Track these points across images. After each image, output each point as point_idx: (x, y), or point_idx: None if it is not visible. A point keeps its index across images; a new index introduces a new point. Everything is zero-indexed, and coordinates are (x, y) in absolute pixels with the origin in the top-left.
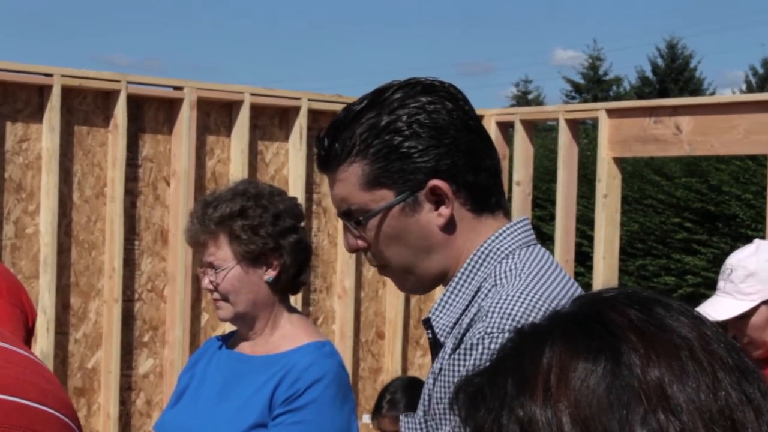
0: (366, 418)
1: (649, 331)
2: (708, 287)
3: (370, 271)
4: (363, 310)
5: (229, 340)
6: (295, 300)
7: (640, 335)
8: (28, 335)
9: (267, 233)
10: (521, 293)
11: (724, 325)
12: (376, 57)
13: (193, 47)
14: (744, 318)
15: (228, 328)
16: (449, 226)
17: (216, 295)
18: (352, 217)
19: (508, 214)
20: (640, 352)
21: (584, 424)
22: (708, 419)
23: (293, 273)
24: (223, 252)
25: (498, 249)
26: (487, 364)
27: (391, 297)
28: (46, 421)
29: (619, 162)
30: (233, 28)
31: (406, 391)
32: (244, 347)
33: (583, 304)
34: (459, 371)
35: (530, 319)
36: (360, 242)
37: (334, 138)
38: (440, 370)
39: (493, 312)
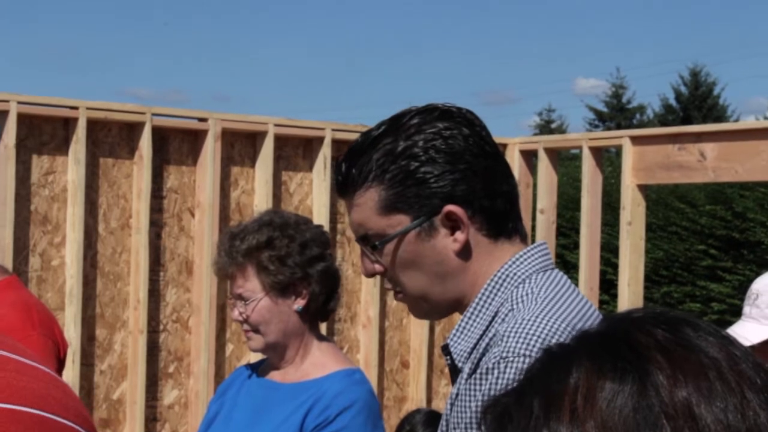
0: None
1: (676, 352)
2: (733, 314)
3: (394, 301)
4: (387, 340)
5: (258, 368)
6: (320, 330)
7: (667, 355)
8: (60, 366)
9: (294, 263)
10: (537, 317)
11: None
12: (399, 87)
13: (217, 79)
14: None
15: (254, 357)
16: (465, 252)
17: (246, 327)
18: (369, 241)
19: (525, 240)
20: (667, 372)
21: None
22: None
23: (322, 301)
24: (251, 283)
25: (515, 274)
26: (515, 384)
27: (416, 326)
28: None
29: (644, 189)
30: (256, 60)
31: (426, 426)
32: (275, 375)
33: (611, 324)
34: (475, 396)
35: (546, 343)
36: (377, 267)
37: (351, 163)
38: (457, 394)
39: (509, 336)
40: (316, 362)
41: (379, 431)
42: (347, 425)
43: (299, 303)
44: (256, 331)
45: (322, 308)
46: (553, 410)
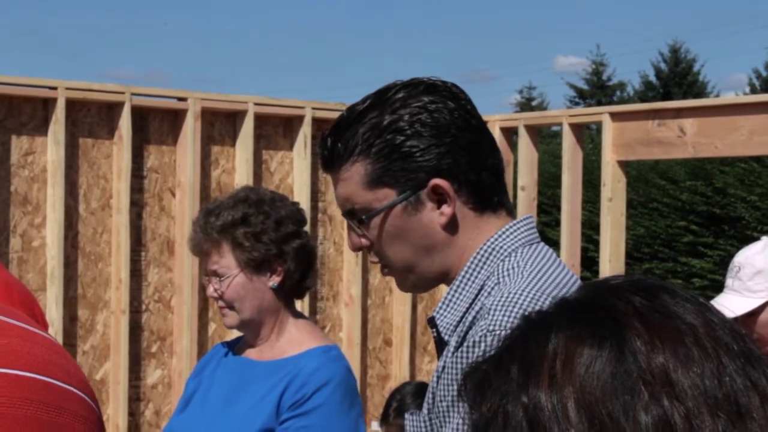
0: (375, 425)
1: (653, 318)
2: (715, 290)
3: (376, 279)
4: (370, 318)
5: (235, 346)
6: (302, 308)
7: (645, 322)
8: None
9: (270, 239)
10: (523, 290)
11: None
12: (379, 66)
13: (199, 60)
14: (752, 315)
15: (235, 335)
16: (451, 225)
17: (221, 303)
18: (355, 216)
19: (511, 213)
20: (645, 338)
21: (589, 410)
22: (713, 405)
23: (298, 278)
24: (226, 260)
25: (501, 247)
26: (494, 351)
27: (398, 304)
28: (70, 399)
29: (624, 165)
30: (237, 40)
31: (415, 397)
32: (251, 353)
33: (589, 292)
34: (462, 368)
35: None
36: (363, 241)
37: (337, 138)
38: (443, 367)
39: (495, 309)
40: (293, 339)
41: (357, 408)
42: (324, 402)
43: (274, 280)
44: (231, 307)
45: (297, 285)
46: (532, 376)
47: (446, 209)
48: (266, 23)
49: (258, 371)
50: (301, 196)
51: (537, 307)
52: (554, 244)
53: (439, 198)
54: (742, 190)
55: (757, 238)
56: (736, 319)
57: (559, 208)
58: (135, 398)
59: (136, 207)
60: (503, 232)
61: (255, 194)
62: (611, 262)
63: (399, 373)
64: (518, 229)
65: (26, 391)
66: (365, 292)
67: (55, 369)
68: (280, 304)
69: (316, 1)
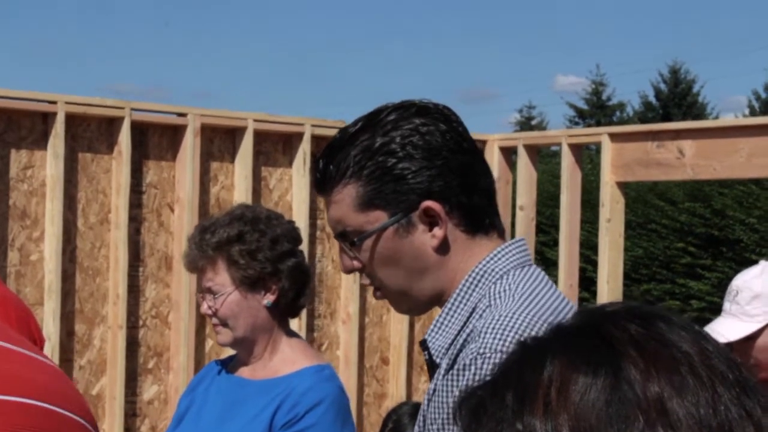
0: None
1: (649, 346)
2: (713, 312)
3: (374, 297)
4: (367, 336)
5: (228, 364)
6: (300, 326)
7: (640, 350)
8: None
9: (265, 257)
10: (514, 314)
11: (730, 346)
12: (379, 83)
13: (199, 75)
14: (750, 340)
15: (231, 353)
16: (443, 247)
17: (215, 320)
18: (347, 238)
19: (502, 235)
20: (640, 366)
21: None
22: None
23: (292, 297)
24: (221, 277)
25: (492, 270)
26: (490, 376)
27: (396, 322)
28: (71, 426)
29: (623, 187)
30: (237, 56)
31: (411, 418)
32: (244, 371)
33: (585, 318)
34: (452, 391)
35: (522, 338)
36: (355, 263)
37: (329, 160)
38: (434, 390)
39: (486, 332)
40: (286, 358)
41: (349, 427)
42: (317, 422)
43: (269, 298)
44: (224, 325)
45: (291, 304)
46: (527, 403)
47: (438, 231)
48: (266, 39)
49: (251, 390)
50: (300, 213)
51: (527, 330)
52: (553, 263)
53: (431, 220)
54: (740, 212)
55: (756, 261)
56: (730, 345)
57: (557, 228)
58: (131, 414)
59: (135, 222)
60: (495, 255)
61: (251, 212)
62: (609, 283)
63: (396, 392)
64: (510, 251)
65: (28, 418)
66: (363, 310)
67: (56, 396)
68: (274, 322)
69: (316, 17)
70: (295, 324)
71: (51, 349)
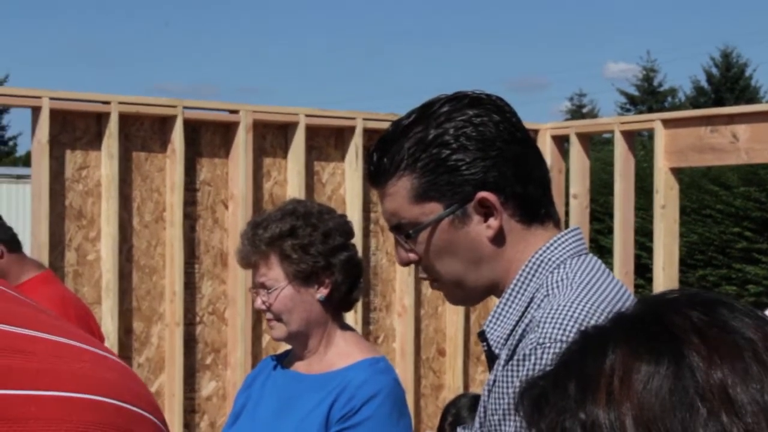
0: None
1: (711, 333)
2: None
3: (429, 289)
4: (423, 328)
5: (284, 360)
6: (356, 319)
7: (703, 337)
8: None
9: (317, 251)
10: (572, 303)
11: None
12: (429, 75)
13: (248, 71)
14: None
15: (286, 348)
16: (499, 238)
17: (269, 315)
18: (403, 230)
19: (558, 225)
20: (703, 353)
21: (647, 427)
22: None
23: (345, 290)
24: (274, 272)
25: (549, 259)
26: (552, 366)
27: (451, 314)
28: (141, 421)
29: (677, 172)
30: (287, 51)
31: (470, 410)
32: (299, 366)
33: (646, 306)
34: (513, 382)
35: (582, 328)
36: (411, 255)
37: (383, 153)
38: (494, 381)
39: (545, 322)
40: (341, 352)
41: (405, 419)
42: (373, 415)
43: (322, 292)
44: (278, 319)
45: (345, 298)
46: (590, 393)
47: (493, 222)
48: (314, 33)
49: (306, 384)
50: (353, 206)
51: (587, 319)
52: (608, 251)
53: (486, 211)
54: None
55: None
56: None
57: (611, 216)
58: (190, 410)
59: (189, 220)
60: (551, 244)
61: (302, 207)
62: (665, 270)
63: (452, 383)
64: (566, 240)
65: (98, 415)
66: (418, 302)
67: (125, 392)
68: (328, 316)
69: (365, 10)
70: (351, 317)
71: (110, 347)
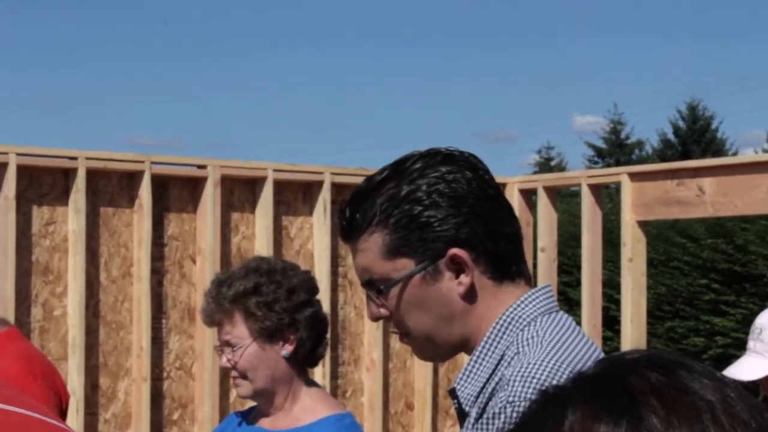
0: None
1: (670, 395)
2: (737, 347)
3: (397, 343)
4: (392, 382)
5: (249, 416)
6: (323, 373)
7: (661, 399)
8: (62, 418)
9: (282, 308)
10: (542, 360)
11: (756, 384)
12: (398, 128)
13: (215, 125)
14: None
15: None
16: (470, 294)
17: (234, 373)
18: (374, 286)
19: (529, 282)
20: (661, 415)
21: None
22: None
23: (310, 347)
24: (238, 330)
25: (520, 316)
26: (511, 426)
27: (420, 368)
28: None
29: (644, 225)
30: (253, 105)
31: None
32: (265, 422)
33: (606, 367)
34: None
35: (543, 387)
36: (383, 311)
37: (355, 208)
38: None
39: (515, 381)
40: (306, 408)
41: None
42: None
43: (287, 349)
44: (244, 377)
45: (310, 354)
46: None
47: (464, 279)
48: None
49: None
50: (322, 261)
51: (556, 379)
52: (576, 304)
53: (458, 267)
54: (763, 247)
55: None
56: (756, 383)
57: (579, 269)
58: None
59: (157, 275)
60: (522, 302)
61: (266, 264)
62: (633, 322)
63: None
64: (537, 298)
65: None
66: (386, 356)
67: None
68: (293, 372)
69: (330, 62)
70: (318, 371)
71: (76, 403)
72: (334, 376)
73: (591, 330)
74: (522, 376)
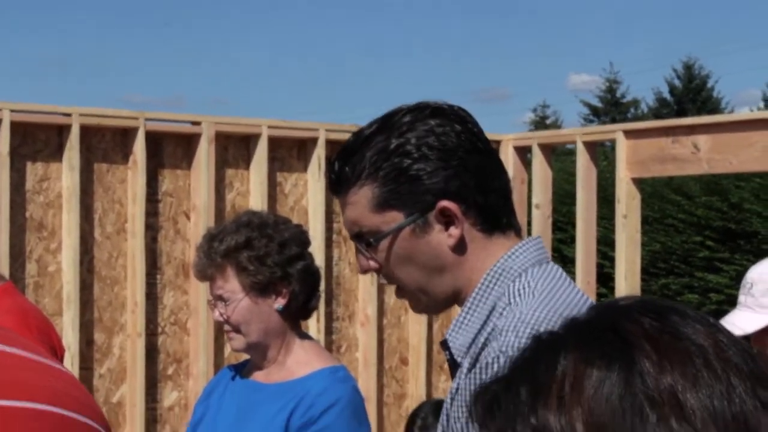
0: None
1: (662, 339)
2: (731, 304)
3: (392, 298)
4: (386, 337)
5: (242, 369)
6: (318, 329)
7: (654, 343)
8: None
9: (274, 262)
10: (534, 311)
11: (747, 339)
12: (392, 87)
13: (213, 84)
14: (766, 332)
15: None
16: (460, 247)
17: (228, 327)
18: (364, 239)
19: (519, 234)
20: (653, 359)
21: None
22: (722, 426)
23: (303, 300)
24: (231, 284)
25: (511, 268)
26: (504, 371)
27: (414, 323)
28: (84, 430)
29: (638, 183)
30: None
31: (436, 415)
32: (258, 375)
33: (599, 312)
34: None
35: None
36: (372, 264)
37: (344, 162)
38: (457, 389)
39: (507, 330)
40: (300, 360)
41: (365, 428)
42: (332, 423)
43: (279, 302)
44: (237, 331)
45: (302, 307)
46: (541, 398)
47: (454, 231)
48: (279, 46)
49: (266, 394)
50: (316, 217)
51: (548, 328)
52: (570, 261)
53: (447, 220)
54: (757, 204)
55: None
56: (748, 337)
57: (574, 226)
58: (152, 420)
59: (151, 231)
60: (512, 253)
61: (258, 218)
62: (627, 279)
63: (416, 392)
64: (527, 249)
65: (42, 424)
66: (381, 312)
67: (71, 401)
68: (286, 326)
69: (327, 22)
70: (313, 327)
71: (71, 358)
72: (329, 331)
73: (585, 287)
74: (515, 326)
